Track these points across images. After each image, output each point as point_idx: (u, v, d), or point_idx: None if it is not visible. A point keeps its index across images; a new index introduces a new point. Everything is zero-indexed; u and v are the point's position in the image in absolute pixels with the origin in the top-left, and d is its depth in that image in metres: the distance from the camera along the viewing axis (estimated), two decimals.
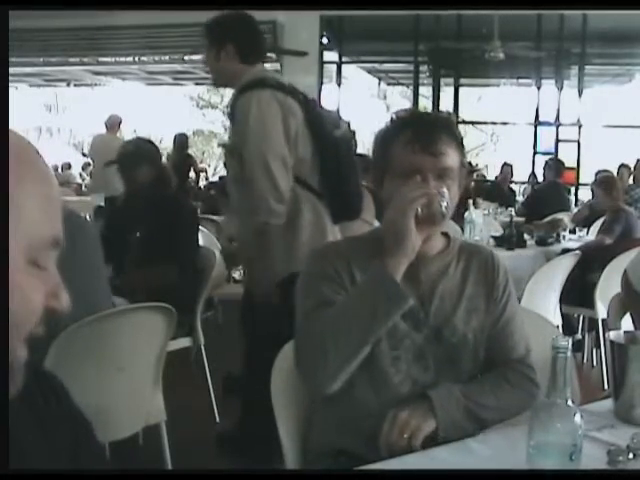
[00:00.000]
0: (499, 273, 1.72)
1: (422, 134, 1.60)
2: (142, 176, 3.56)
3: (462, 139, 1.67)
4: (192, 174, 10.22)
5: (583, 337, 4.85)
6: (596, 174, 7.24)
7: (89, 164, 12.16)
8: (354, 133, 3.18)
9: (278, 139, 2.86)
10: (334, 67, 10.64)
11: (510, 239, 5.03)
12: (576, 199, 9.33)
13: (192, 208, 4.15)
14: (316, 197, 3.00)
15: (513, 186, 10.31)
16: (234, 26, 3.06)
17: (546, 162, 7.95)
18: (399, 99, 18.89)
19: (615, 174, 7.07)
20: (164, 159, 6.23)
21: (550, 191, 7.41)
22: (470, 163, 10.95)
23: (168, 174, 3.82)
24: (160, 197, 3.57)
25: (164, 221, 3.46)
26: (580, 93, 10.06)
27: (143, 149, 3.71)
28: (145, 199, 3.57)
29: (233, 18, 3.11)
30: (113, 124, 8.34)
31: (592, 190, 5.65)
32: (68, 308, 0.74)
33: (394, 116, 1.73)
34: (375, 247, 1.63)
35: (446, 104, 11.31)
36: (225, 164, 3.53)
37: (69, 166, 15.37)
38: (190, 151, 10.58)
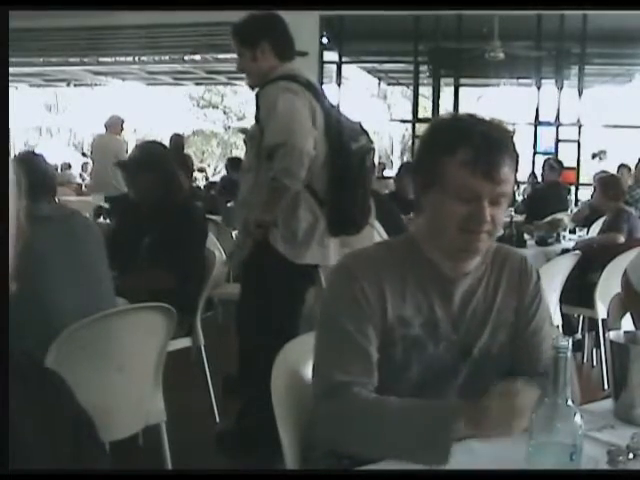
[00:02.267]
0: (530, 281, 1.64)
1: (485, 156, 1.45)
2: (152, 181, 3.47)
3: (518, 157, 1.52)
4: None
5: (583, 337, 4.85)
6: (595, 175, 7.25)
7: (88, 164, 12.16)
8: (373, 149, 3.17)
9: (306, 120, 2.88)
10: (334, 67, 10.63)
11: (510, 239, 5.03)
12: (576, 199, 9.33)
13: (202, 216, 4.02)
14: (317, 204, 3.00)
15: None
16: (266, 24, 3.08)
17: (545, 162, 7.95)
18: (399, 99, 18.91)
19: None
20: None
21: (550, 191, 7.41)
22: None
23: (179, 180, 3.76)
24: (171, 203, 3.50)
25: (173, 228, 3.40)
26: (580, 93, 10.06)
27: (155, 154, 3.64)
28: (155, 204, 3.51)
29: (263, 16, 3.13)
30: (114, 125, 8.32)
31: (594, 189, 5.65)
32: None
33: (450, 123, 1.58)
34: (407, 257, 1.55)
35: (446, 104, 11.32)
36: (226, 167, 3.54)
37: (69, 166, 15.36)
38: (190, 151, 10.57)
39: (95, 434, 0.90)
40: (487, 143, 1.46)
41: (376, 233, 4.36)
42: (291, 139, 2.81)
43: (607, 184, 5.31)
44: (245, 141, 3.19)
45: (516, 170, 1.50)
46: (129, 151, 8.42)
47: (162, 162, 3.59)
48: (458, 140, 1.47)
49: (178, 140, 9.35)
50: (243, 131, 3.42)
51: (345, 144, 2.98)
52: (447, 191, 1.47)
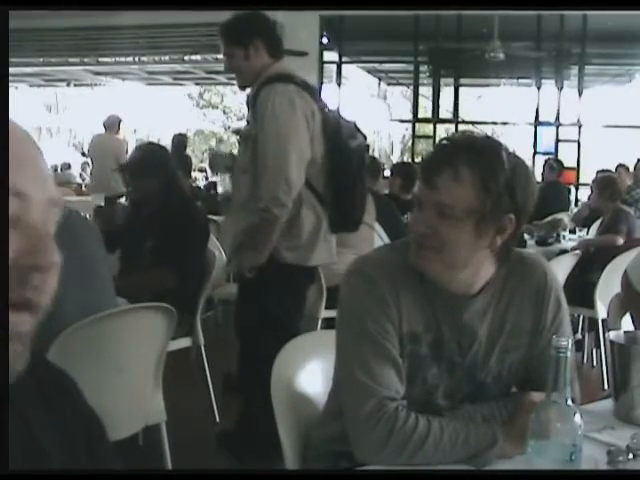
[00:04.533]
0: (549, 300, 1.53)
1: (427, 162, 1.46)
2: (154, 185, 3.47)
3: (496, 174, 1.37)
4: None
5: (583, 337, 4.85)
6: (597, 173, 7.23)
7: (88, 164, 12.15)
8: (368, 147, 3.18)
9: (301, 132, 2.87)
10: (334, 67, 10.63)
11: None
12: (576, 199, 9.32)
13: (204, 216, 4.00)
14: (318, 201, 3.00)
15: None
16: (258, 21, 3.08)
17: (545, 162, 7.95)
18: (399, 99, 18.91)
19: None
20: None
21: (551, 191, 7.41)
22: None
23: (180, 182, 3.74)
24: (172, 205, 3.49)
25: (175, 229, 3.39)
26: (580, 93, 10.05)
27: (156, 157, 3.61)
28: (156, 207, 3.50)
29: (252, 14, 3.13)
30: (112, 124, 8.33)
31: (592, 189, 5.64)
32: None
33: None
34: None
35: (446, 104, 11.32)
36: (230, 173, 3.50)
37: (69, 166, 15.34)
38: (190, 151, 10.56)
39: (105, 433, 0.90)
40: (437, 149, 1.48)
41: (376, 235, 4.36)
42: (281, 164, 2.78)
43: (603, 184, 5.26)
44: (239, 141, 3.18)
45: (486, 188, 1.36)
46: (129, 151, 8.43)
47: (163, 166, 3.57)
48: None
49: (181, 140, 9.37)
50: (236, 132, 3.40)
51: (344, 142, 2.99)
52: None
